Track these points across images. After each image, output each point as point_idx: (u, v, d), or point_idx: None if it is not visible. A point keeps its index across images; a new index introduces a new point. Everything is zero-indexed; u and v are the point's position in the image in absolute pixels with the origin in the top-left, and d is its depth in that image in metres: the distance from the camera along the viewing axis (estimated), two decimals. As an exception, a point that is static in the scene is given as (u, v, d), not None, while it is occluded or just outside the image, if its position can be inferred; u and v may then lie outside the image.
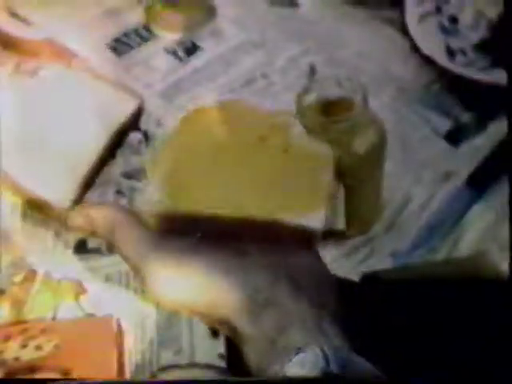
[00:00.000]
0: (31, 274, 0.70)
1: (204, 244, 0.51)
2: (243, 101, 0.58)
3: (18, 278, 0.70)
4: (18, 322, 0.67)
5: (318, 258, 0.55)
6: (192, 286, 0.50)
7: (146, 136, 0.80)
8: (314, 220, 0.50)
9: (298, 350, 0.46)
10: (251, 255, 0.51)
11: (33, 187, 0.72)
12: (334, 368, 0.45)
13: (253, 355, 0.48)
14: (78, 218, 0.55)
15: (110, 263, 0.72)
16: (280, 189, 0.52)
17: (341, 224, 0.70)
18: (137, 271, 0.52)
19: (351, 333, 0.50)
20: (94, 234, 0.55)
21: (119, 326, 0.66)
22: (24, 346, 0.63)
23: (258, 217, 0.51)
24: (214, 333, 0.67)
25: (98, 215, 0.54)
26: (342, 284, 0.55)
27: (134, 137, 0.79)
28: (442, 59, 0.85)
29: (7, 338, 0.64)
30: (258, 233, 0.52)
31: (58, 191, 0.71)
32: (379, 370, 0.46)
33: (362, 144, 0.66)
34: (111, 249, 0.56)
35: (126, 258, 0.53)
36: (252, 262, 0.51)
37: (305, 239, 0.52)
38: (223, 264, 0.50)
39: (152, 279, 0.51)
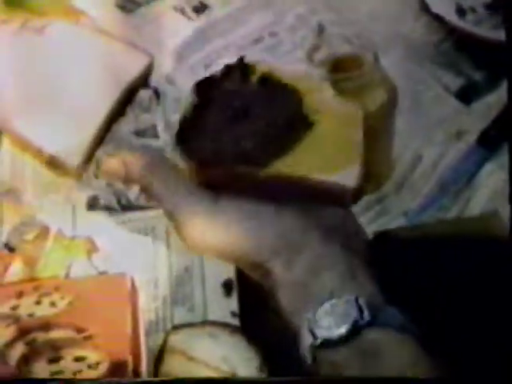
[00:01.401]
0: (44, 232, 0.70)
1: (236, 192, 0.51)
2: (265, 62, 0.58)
3: (30, 236, 0.70)
4: (31, 279, 0.67)
5: (351, 214, 0.55)
6: (225, 231, 0.51)
7: (157, 93, 0.80)
8: (347, 178, 0.51)
9: (331, 296, 0.46)
10: (282, 203, 0.51)
11: (43, 144, 0.71)
12: (366, 317, 0.45)
13: (286, 301, 0.49)
14: (111, 163, 0.55)
15: (123, 221, 0.72)
16: (313, 148, 0.53)
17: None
18: (172, 217, 0.52)
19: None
20: (127, 180, 0.55)
21: (133, 283, 0.66)
22: (38, 303, 0.63)
23: (291, 176, 0.51)
24: (227, 290, 0.67)
25: (134, 160, 0.54)
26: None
27: (145, 94, 0.79)
28: (452, 17, 0.84)
29: (21, 295, 0.64)
30: (291, 191, 0.52)
31: (68, 148, 0.70)
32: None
33: (372, 102, 0.65)
34: (146, 195, 0.56)
35: (161, 204, 0.53)
36: (283, 208, 0.51)
37: (337, 197, 0.52)
38: (255, 208, 0.51)
39: (187, 224, 0.51)
